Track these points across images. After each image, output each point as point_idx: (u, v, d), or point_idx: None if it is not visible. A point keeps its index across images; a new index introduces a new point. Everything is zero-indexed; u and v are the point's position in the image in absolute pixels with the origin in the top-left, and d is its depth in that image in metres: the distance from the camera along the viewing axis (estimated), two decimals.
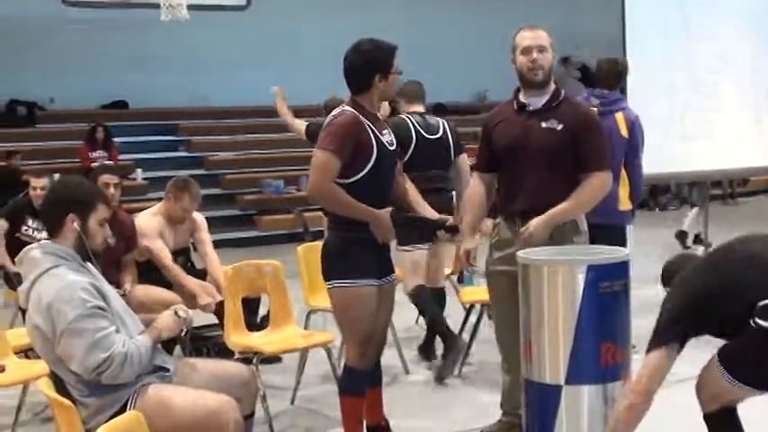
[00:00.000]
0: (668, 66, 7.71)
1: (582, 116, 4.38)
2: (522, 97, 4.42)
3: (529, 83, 4.37)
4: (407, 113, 6.18)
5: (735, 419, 3.62)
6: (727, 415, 3.56)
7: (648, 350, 3.46)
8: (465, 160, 6.23)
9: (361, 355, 4.32)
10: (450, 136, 6.14)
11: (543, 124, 4.31)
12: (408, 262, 6.06)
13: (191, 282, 5.83)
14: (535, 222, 4.23)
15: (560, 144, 4.29)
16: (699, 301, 3.43)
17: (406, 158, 5.68)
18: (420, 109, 6.25)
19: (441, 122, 6.20)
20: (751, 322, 3.32)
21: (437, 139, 6.08)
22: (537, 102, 4.37)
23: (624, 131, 5.82)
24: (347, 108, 4.23)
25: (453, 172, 6.15)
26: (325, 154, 4.11)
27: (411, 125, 6.03)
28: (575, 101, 4.52)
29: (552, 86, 4.39)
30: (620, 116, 5.85)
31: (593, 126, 4.37)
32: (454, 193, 6.24)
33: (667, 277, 3.72)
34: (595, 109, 5.76)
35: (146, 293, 5.72)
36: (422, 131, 6.04)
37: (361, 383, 4.39)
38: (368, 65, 4.21)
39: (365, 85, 4.23)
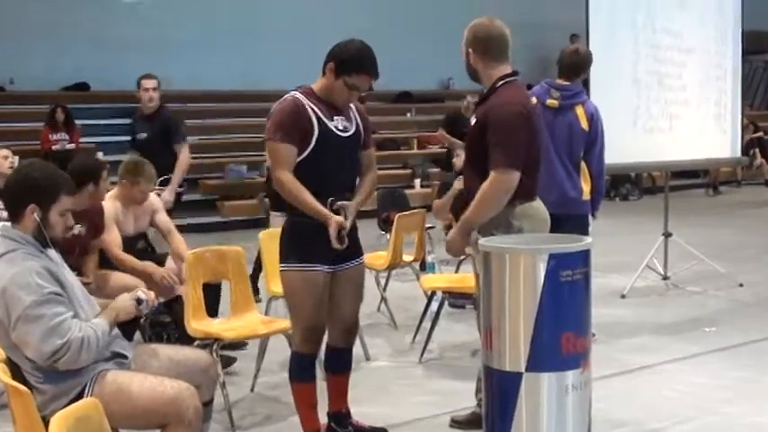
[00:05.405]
0: (633, 57, 7.75)
1: (486, 110, 4.17)
2: None
3: None
4: None
5: None
6: None
7: None
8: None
9: (305, 340, 4.34)
10: None
11: (473, 119, 4.34)
12: None
13: (147, 266, 5.74)
14: (450, 234, 4.26)
15: (473, 139, 4.24)
16: None
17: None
18: None
19: None
20: None
21: None
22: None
23: (585, 124, 5.84)
24: (291, 94, 4.29)
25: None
26: (271, 144, 4.21)
27: None
28: (499, 95, 4.17)
29: (491, 81, 4.23)
30: (580, 109, 5.87)
31: (491, 121, 4.09)
32: None
33: None
34: (556, 101, 5.80)
35: (106, 279, 5.65)
36: None
37: (307, 369, 4.41)
38: (329, 54, 4.25)
39: (323, 71, 4.27)
